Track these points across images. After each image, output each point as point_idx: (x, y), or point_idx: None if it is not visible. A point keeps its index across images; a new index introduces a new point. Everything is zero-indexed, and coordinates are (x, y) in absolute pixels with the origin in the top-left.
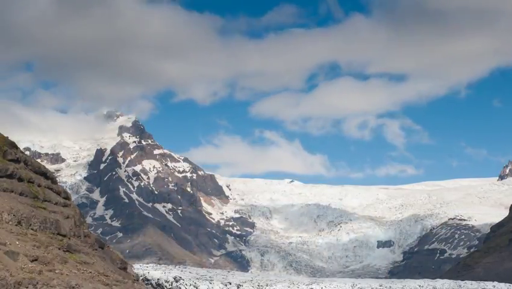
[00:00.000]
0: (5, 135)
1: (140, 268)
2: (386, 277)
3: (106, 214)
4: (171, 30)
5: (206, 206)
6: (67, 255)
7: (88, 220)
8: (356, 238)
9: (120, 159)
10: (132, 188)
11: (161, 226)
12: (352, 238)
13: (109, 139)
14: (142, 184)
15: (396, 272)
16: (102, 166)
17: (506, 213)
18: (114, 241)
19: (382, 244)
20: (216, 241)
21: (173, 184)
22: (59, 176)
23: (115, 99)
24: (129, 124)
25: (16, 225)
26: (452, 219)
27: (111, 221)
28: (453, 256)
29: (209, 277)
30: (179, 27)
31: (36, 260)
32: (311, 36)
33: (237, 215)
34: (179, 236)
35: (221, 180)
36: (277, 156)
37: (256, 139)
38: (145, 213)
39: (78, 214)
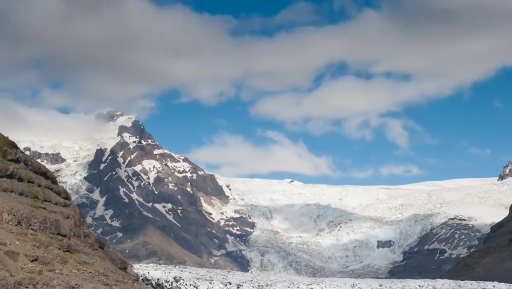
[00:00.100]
0: (5, 135)
1: (140, 268)
2: (386, 277)
3: (106, 214)
4: (181, 31)
5: (206, 206)
6: (67, 255)
7: (88, 220)
8: (356, 238)
9: (120, 159)
10: (132, 188)
11: (161, 226)
12: (352, 238)
13: (109, 139)
14: (142, 184)
15: (396, 272)
16: (102, 166)
17: (506, 213)
18: (114, 241)
19: (382, 244)
20: (216, 241)
21: (173, 184)
22: (59, 176)
23: (122, 99)
24: (129, 124)
25: (16, 225)
26: (452, 219)
27: (111, 221)
28: (453, 256)
29: (209, 277)
30: (189, 28)
31: (36, 260)
32: (322, 34)
33: (237, 215)
34: (179, 236)
35: (222, 180)
36: (279, 156)
37: (259, 139)
38: (145, 213)
39: (78, 214)
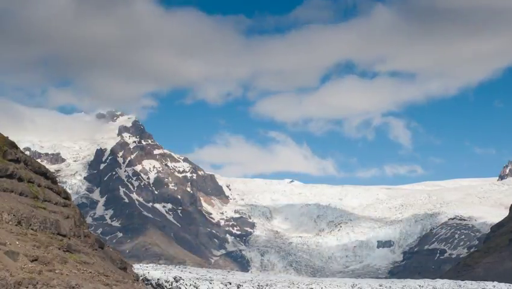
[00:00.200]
0: (5, 135)
1: (140, 268)
2: (386, 277)
3: (106, 214)
4: (192, 32)
5: (206, 206)
6: (67, 255)
7: (88, 220)
8: (356, 238)
9: (120, 159)
10: (132, 188)
11: (161, 226)
12: (352, 238)
13: (109, 139)
14: (142, 184)
15: (396, 272)
16: (102, 166)
17: (506, 213)
18: (114, 241)
19: (382, 244)
20: (216, 241)
21: (173, 184)
22: (59, 176)
23: (129, 99)
24: (129, 124)
25: (16, 225)
26: (452, 219)
27: (111, 221)
28: (453, 256)
29: (209, 277)
30: (201, 29)
31: (36, 260)
32: (331, 32)
33: (237, 215)
34: (179, 236)
35: (221, 180)
36: (281, 155)
37: (261, 139)
38: (145, 213)
39: (78, 214)
